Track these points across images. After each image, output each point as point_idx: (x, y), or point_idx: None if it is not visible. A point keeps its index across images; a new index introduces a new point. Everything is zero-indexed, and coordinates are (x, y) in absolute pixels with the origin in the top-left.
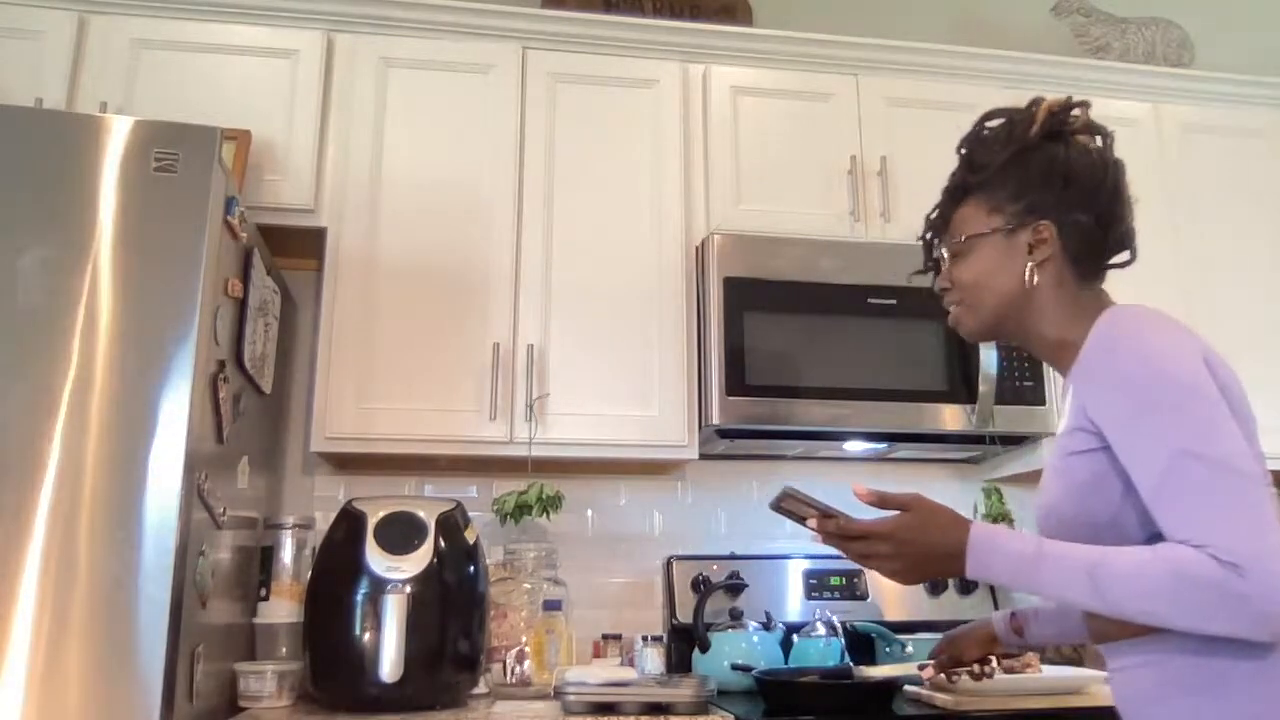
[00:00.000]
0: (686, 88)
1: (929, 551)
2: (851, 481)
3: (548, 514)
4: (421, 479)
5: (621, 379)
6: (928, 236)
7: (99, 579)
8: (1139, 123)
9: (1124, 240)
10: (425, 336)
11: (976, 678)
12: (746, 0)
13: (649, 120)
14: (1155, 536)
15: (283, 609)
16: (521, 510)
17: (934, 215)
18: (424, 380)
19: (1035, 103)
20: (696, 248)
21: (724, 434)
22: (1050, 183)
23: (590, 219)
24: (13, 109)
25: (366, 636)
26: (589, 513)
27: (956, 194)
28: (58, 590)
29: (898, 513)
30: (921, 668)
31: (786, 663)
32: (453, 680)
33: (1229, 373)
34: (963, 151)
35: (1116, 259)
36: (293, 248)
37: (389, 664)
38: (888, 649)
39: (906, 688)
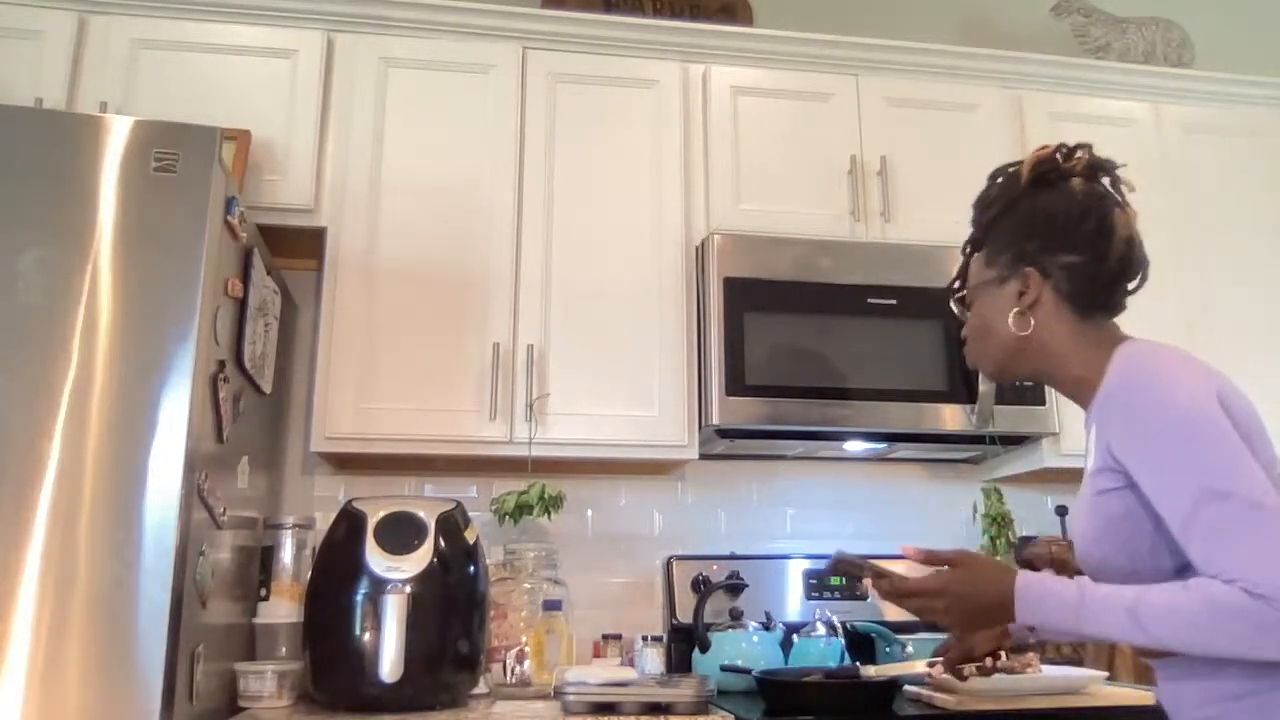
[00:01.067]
0: (686, 88)
1: (980, 604)
2: (903, 548)
3: (549, 514)
4: (421, 479)
5: (621, 379)
6: (956, 287)
7: (99, 579)
8: (1139, 123)
9: (1125, 271)
10: (425, 336)
11: (986, 672)
12: (746, 0)
13: (649, 120)
14: (1187, 566)
15: (283, 609)
16: (522, 510)
17: (959, 269)
18: (424, 380)
19: (1027, 158)
20: (696, 248)
21: (724, 434)
22: (1033, 230)
23: (590, 219)
24: (13, 109)
25: (366, 636)
26: (589, 513)
27: (967, 249)
28: (58, 590)
29: (945, 570)
30: (930, 664)
31: (786, 663)
32: (453, 680)
33: (1245, 404)
34: (976, 210)
35: (1128, 287)
36: (293, 248)
37: (389, 664)
38: (888, 649)
39: (906, 688)
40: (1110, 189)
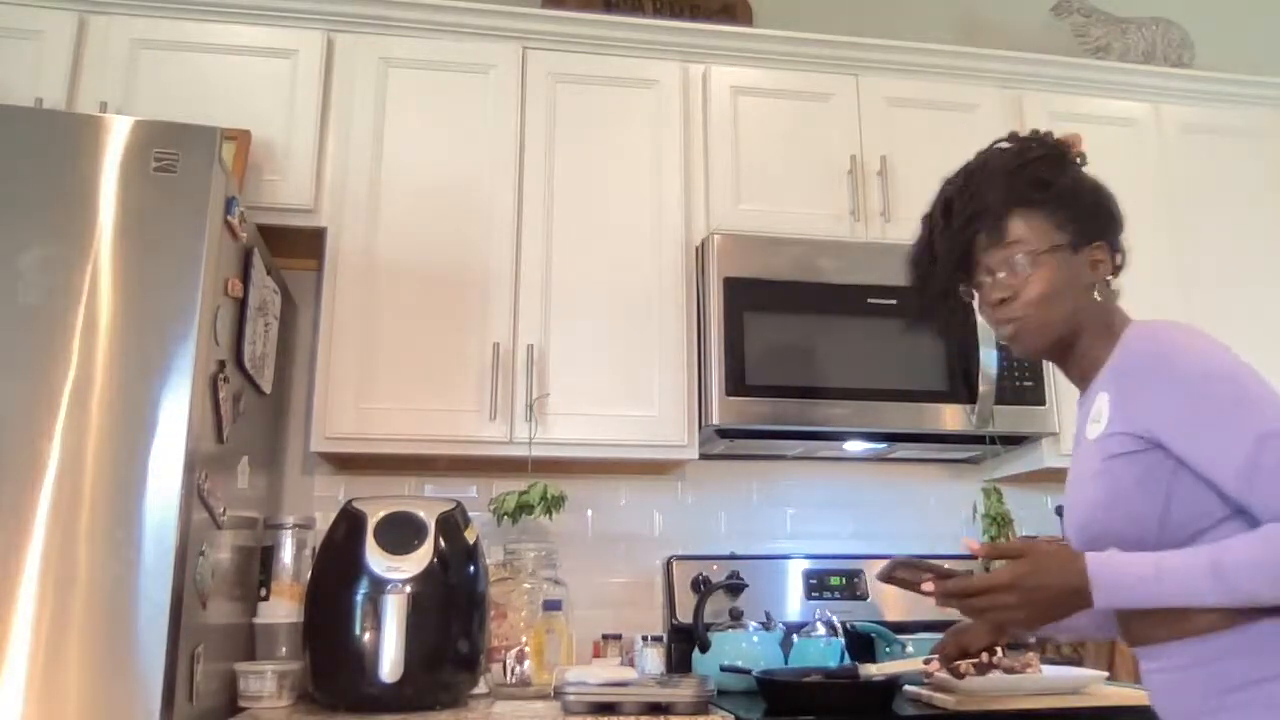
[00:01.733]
0: (686, 88)
1: (1054, 594)
2: (965, 541)
3: (550, 514)
4: (421, 479)
5: (621, 379)
6: (970, 231)
7: (99, 579)
8: (1139, 123)
9: (1125, 260)
10: (425, 336)
11: (982, 670)
12: (746, 0)
13: (649, 120)
14: (1206, 530)
15: (283, 609)
16: (522, 510)
17: (979, 217)
18: (424, 380)
19: (1054, 137)
20: (696, 248)
21: (724, 434)
22: (1097, 208)
23: (590, 219)
24: (13, 109)
25: (366, 636)
26: (589, 513)
27: (1010, 205)
28: (58, 590)
29: (1011, 563)
30: (927, 661)
31: (786, 663)
32: (453, 680)
33: None
34: (1019, 166)
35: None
36: (293, 248)
37: (389, 664)
38: (888, 649)
39: (906, 688)
40: None
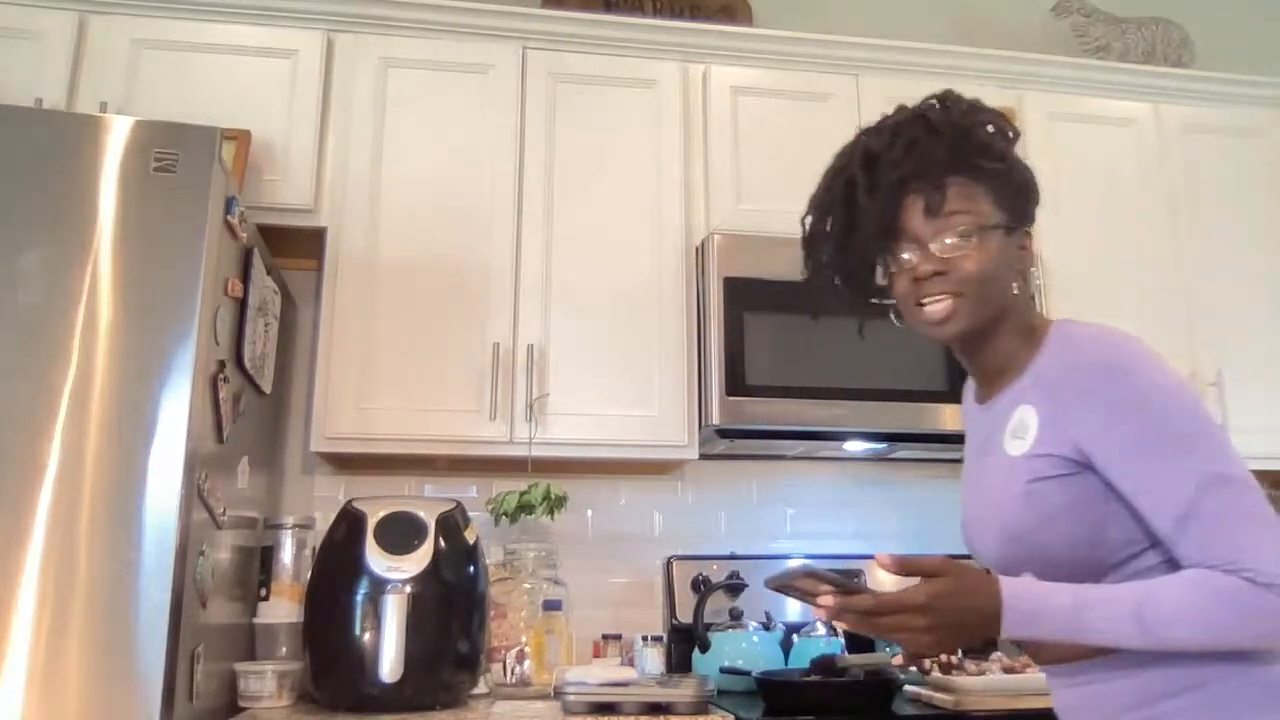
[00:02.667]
0: (686, 88)
1: (967, 619)
2: (878, 556)
3: (553, 514)
4: (421, 479)
5: (621, 379)
6: (901, 193)
7: (99, 579)
8: (1139, 123)
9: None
10: (425, 336)
11: (945, 669)
12: (746, 0)
13: (649, 120)
14: (1134, 557)
15: (283, 609)
16: (524, 510)
17: (917, 179)
18: (424, 380)
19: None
20: (696, 248)
21: (724, 434)
22: (1030, 192)
23: (590, 219)
24: (13, 109)
25: (366, 636)
26: (589, 513)
27: (955, 171)
28: (58, 590)
29: (926, 580)
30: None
31: (786, 663)
32: (453, 680)
33: None
34: (968, 129)
35: None
36: (293, 248)
37: (389, 664)
38: (887, 648)
39: (906, 688)
40: None
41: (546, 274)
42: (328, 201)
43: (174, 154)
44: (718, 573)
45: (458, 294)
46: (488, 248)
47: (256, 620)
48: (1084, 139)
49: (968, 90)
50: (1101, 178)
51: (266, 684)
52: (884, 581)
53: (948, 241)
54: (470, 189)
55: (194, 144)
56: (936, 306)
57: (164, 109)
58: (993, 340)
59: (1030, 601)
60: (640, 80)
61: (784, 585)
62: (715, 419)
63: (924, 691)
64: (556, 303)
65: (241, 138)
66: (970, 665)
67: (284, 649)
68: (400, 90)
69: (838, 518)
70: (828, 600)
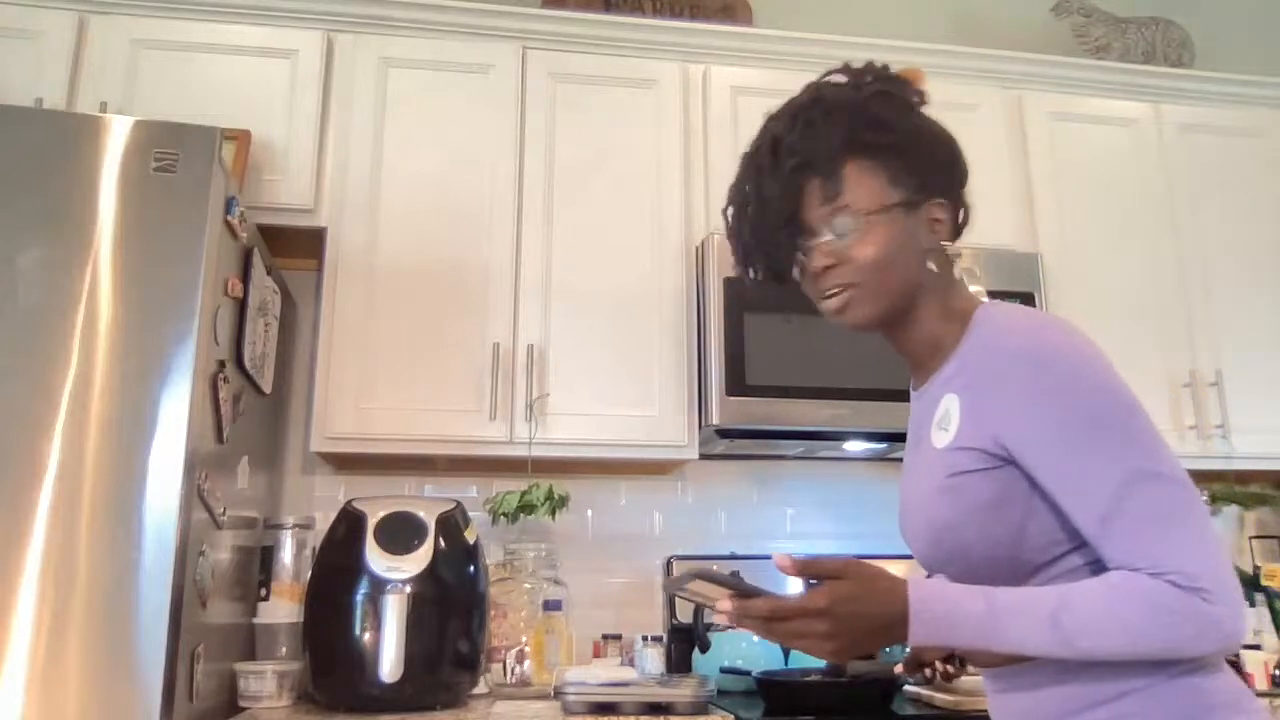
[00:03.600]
0: (686, 88)
1: (871, 624)
2: (776, 558)
3: (554, 514)
4: (421, 479)
5: (621, 379)
6: (799, 179)
7: (99, 579)
8: (1139, 123)
9: (968, 218)
10: (425, 336)
11: (946, 677)
12: (746, 0)
13: (649, 120)
14: (1060, 557)
15: (283, 609)
16: (524, 510)
17: (812, 165)
18: (424, 380)
19: (890, 70)
20: (696, 248)
21: (724, 434)
22: (938, 157)
23: (590, 219)
24: (13, 109)
25: (366, 636)
26: (589, 513)
27: (846, 151)
28: (58, 590)
29: (828, 583)
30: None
31: (786, 663)
32: (453, 680)
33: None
34: (857, 104)
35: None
36: (293, 248)
37: (389, 664)
38: (888, 649)
39: (906, 688)
40: None
41: (546, 274)
42: (328, 201)
43: (174, 154)
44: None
45: (458, 294)
46: (488, 248)
47: (256, 620)
48: (1084, 139)
49: (968, 90)
50: (1101, 178)
51: (266, 684)
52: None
53: (838, 231)
54: (470, 189)
55: (194, 144)
56: (832, 301)
57: (164, 109)
58: (911, 326)
59: (940, 606)
60: (640, 80)
61: (678, 590)
62: (715, 419)
63: (924, 691)
64: (556, 303)
65: (241, 138)
66: (971, 665)
67: (284, 649)
68: (400, 90)
69: (838, 518)
70: (726, 606)
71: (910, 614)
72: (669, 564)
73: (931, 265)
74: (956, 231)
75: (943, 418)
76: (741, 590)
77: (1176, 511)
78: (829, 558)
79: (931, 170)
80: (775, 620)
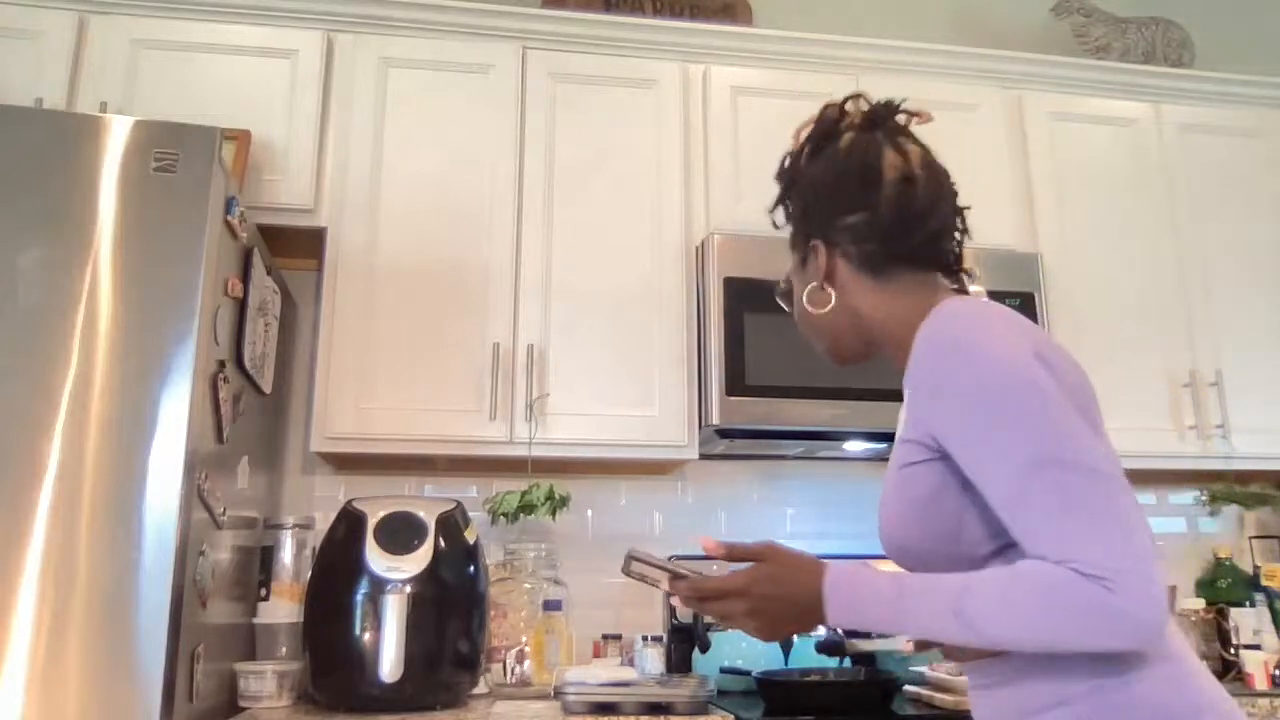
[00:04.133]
0: (686, 88)
1: (786, 605)
2: (702, 540)
3: (555, 514)
4: (421, 479)
5: (621, 379)
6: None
7: (99, 579)
8: (1139, 123)
9: (908, 215)
10: (425, 336)
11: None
12: (746, 0)
13: (649, 120)
14: (1002, 550)
15: (283, 609)
16: (524, 510)
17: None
18: (424, 380)
19: (863, 102)
20: (696, 248)
21: (724, 434)
22: (807, 202)
23: (590, 219)
24: (13, 109)
25: (366, 636)
26: (589, 513)
27: (777, 203)
28: (58, 590)
29: (750, 566)
30: (908, 641)
31: (786, 663)
32: (453, 680)
33: (1076, 370)
34: (785, 159)
35: (929, 231)
36: (293, 248)
37: (389, 664)
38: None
39: (906, 688)
40: (889, 134)
41: (546, 274)
42: (328, 201)
43: (174, 154)
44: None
45: (458, 294)
46: (488, 248)
47: (256, 620)
48: (1084, 139)
49: (968, 91)
50: (1102, 178)
51: (266, 684)
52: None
53: (787, 306)
54: (470, 189)
55: (194, 144)
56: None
57: (164, 109)
58: (878, 345)
59: (851, 589)
60: (640, 80)
61: (627, 572)
62: (715, 419)
63: (924, 691)
64: (556, 303)
65: (241, 138)
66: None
67: (284, 649)
68: (400, 90)
69: (838, 518)
70: (664, 586)
71: (824, 596)
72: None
73: (817, 305)
74: (865, 245)
75: (903, 410)
76: (674, 573)
77: (1079, 498)
78: (754, 543)
79: (812, 213)
80: (701, 600)
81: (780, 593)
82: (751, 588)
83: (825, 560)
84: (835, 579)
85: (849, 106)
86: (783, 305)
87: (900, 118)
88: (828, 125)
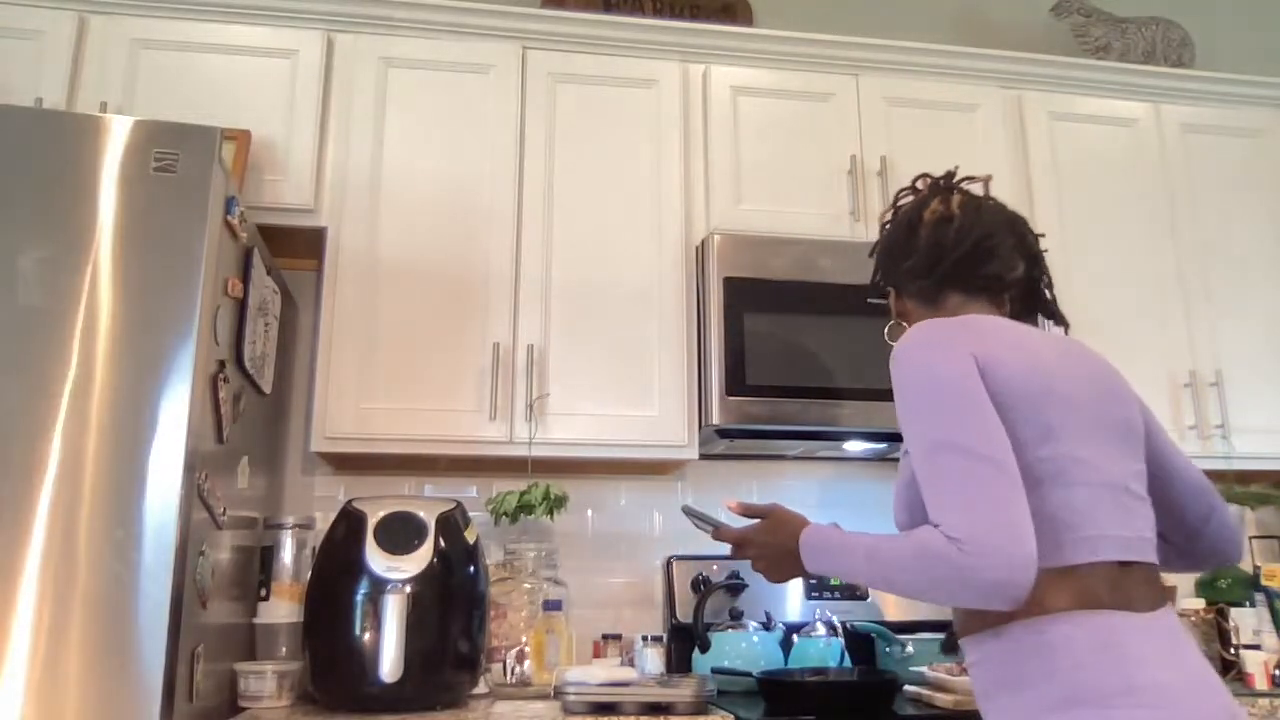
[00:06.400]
0: (686, 88)
1: (777, 551)
2: (725, 502)
3: (552, 514)
4: (421, 479)
5: (621, 379)
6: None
7: (99, 579)
8: (1139, 123)
9: (942, 247)
10: (425, 336)
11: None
12: (746, 0)
13: (649, 120)
14: None
15: (283, 609)
16: (524, 510)
17: None
18: (424, 380)
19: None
20: (696, 248)
21: (724, 434)
22: (883, 260)
23: (590, 219)
24: (13, 109)
25: (366, 636)
26: (589, 513)
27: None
28: (58, 590)
29: (756, 521)
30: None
31: (786, 663)
32: (453, 680)
33: (1031, 363)
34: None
35: (966, 258)
36: (293, 248)
37: (389, 664)
38: (888, 649)
39: (906, 688)
40: (942, 192)
41: (546, 274)
42: (328, 201)
43: (174, 154)
44: (718, 573)
45: (458, 294)
46: (488, 247)
47: (256, 620)
48: (1084, 139)
49: (968, 91)
50: (1102, 178)
51: (266, 684)
52: None
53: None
54: (470, 189)
55: (194, 144)
56: None
57: (164, 109)
58: None
59: (817, 540)
60: (640, 80)
61: (689, 516)
62: (715, 419)
63: (924, 691)
64: (556, 303)
65: (241, 138)
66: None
67: (284, 649)
68: (400, 90)
69: (838, 518)
70: (709, 534)
71: (800, 547)
72: (669, 563)
73: (894, 338)
74: (915, 283)
75: None
76: (714, 524)
77: (956, 475)
78: (765, 504)
79: (881, 277)
80: (729, 545)
81: (773, 542)
82: (754, 538)
83: (810, 522)
84: (808, 534)
85: (919, 184)
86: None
87: (956, 182)
88: (899, 202)
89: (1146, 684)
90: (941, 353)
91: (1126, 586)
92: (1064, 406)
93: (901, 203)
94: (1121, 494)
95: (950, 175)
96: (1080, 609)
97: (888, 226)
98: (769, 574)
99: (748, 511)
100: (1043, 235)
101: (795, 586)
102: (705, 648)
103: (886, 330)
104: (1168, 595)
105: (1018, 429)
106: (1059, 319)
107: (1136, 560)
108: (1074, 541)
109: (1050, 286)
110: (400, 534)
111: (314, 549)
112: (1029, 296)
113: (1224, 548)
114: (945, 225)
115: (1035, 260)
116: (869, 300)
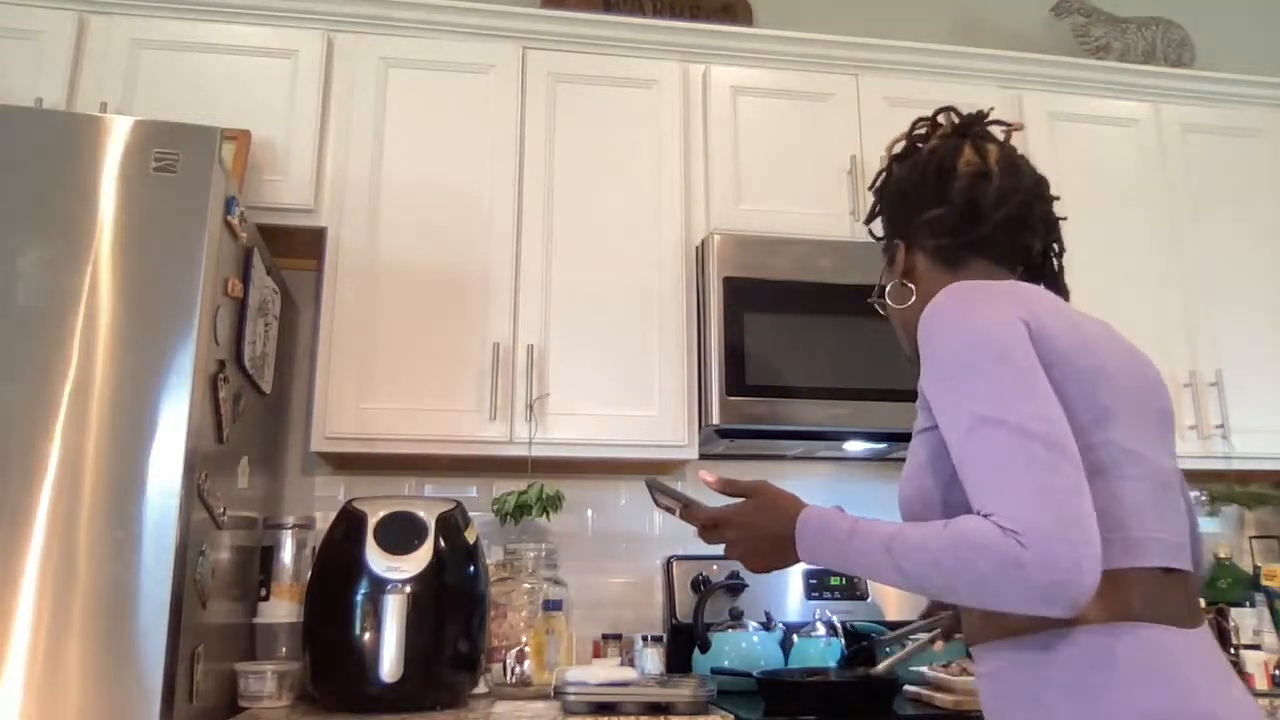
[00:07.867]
0: (686, 88)
1: (763, 537)
2: (701, 473)
3: (547, 514)
4: (421, 479)
5: (621, 379)
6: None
7: (99, 579)
8: (1139, 123)
9: (978, 205)
10: (425, 336)
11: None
12: (746, 0)
13: (649, 120)
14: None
15: (283, 609)
16: (521, 510)
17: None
18: (424, 380)
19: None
20: (696, 248)
21: (724, 434)
22: (892, 204)
23: (590, 219)
24: (13, 109)
25: (366, 636)
26: (589, 513)
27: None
28: (58, 590)
29: (738, 501)
30: (933, 642)
31: (786, 663)
32: (453, 680)
33: (1080, 337)
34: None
35: (999, 219)
36: (293, 248)
37: (389, 664)
38: (888, 649)
39: (906, 688)
40: (974, 138)
41: (546, 274)
42: (328, 201)
43: (174, 154)
44: (718, 573)
45: (458, 294)
46: (487, 247)
47: (256, 620)
48: (1084, 139)
49: (968, 91)
50: (1101, 178)
51: (266, 684)
52: None
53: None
54: (470, 189)
55: (194, 144)
56: None
57: (164, 109)
58: None
59: (817, 526)
60: (640, 80)
61: (655, 502)
62: (715, 419)
63: (924, 691)
64: (556, 303)
65: (241, 138)
66: (971, 665)
67: (284, 649)
68: (400, 90)
69: None
70: (677, 514)
71: (795, 533)
72: (669, 563)
73: (899, 300)
74: (938, 239)
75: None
76: (685, 502)
77: (1010, 457)
78: (748, 480)
79: (888, 223)
80: (700, 527)
81: (759, 524)
82: (734, 519)
83: (806, 504)
84: (806, 518)
85: (940, 119)
86: (878, 310)
87: (993, 127)
88: (916, 136)
89: (1195, 713)
90: (989, 315)
91: (1169, 597)
92: (1115, 389)
93: (918, 133)
94: (1168, 491)
95: (982, 116)
96: (1117, 620)
97: (903, 163)
98: (749, 562)
99: (729, 488)
100: (1058, 197)
101: (795, 585)
102: (705, 648)
103: (887, 290)
104: (1203, 610)
105: (1075, 410)
106: (1064, 291)
107: (1178, 568)
108: (1120, 543)
109: (1061, 255)
110: (400, 534)
111: (314, 549)
112: (1039, 265)
113: (1198, 559)
114: (983, 182)
115: (1052, 228)
116: (869, 299)
